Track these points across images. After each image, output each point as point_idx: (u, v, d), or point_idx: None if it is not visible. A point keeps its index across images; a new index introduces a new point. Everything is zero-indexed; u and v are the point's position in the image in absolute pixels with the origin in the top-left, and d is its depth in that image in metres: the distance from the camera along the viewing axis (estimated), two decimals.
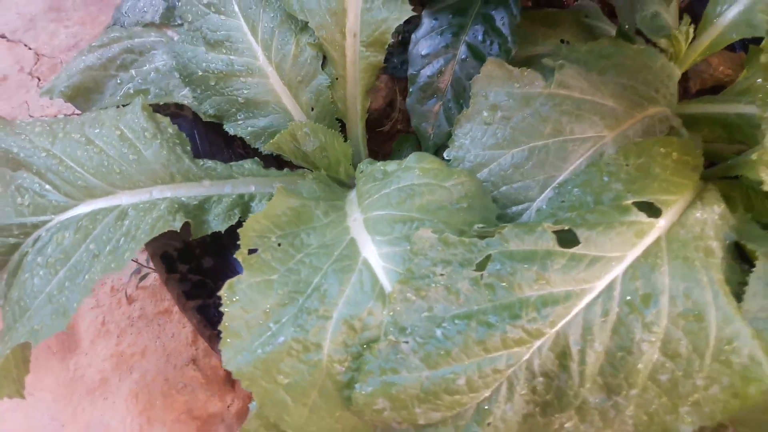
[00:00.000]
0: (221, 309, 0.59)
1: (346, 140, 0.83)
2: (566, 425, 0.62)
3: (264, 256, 0.63)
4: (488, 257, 0.58)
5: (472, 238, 0.59)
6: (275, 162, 0.93)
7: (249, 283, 0.61)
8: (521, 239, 0.58)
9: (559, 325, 0.57)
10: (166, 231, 0.75)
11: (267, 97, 0.86)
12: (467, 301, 0.57)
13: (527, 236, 0.58)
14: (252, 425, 0.67)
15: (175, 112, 0.93)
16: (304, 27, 0.82)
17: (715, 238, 0.65)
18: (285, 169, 0.88)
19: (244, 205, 0.82)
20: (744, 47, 1.03)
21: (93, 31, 1.46)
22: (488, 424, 0.58)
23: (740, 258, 0.70)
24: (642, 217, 0.61)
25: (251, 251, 0.63)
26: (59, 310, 0.70)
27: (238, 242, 0.63)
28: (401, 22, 0.76)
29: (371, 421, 0.59)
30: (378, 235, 0.63)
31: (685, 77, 1.04)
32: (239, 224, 0.70)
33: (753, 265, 0.66)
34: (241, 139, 0.90)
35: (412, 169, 0.67)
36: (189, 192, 0.81)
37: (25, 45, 1.46)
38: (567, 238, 0.61)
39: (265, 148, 0.82)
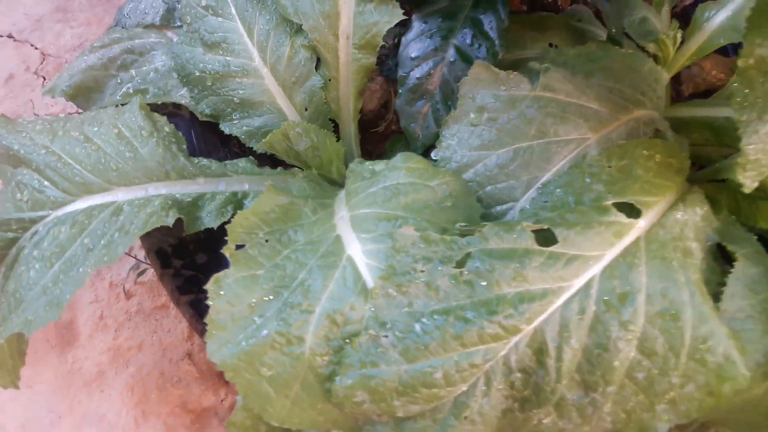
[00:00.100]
0: (207, 302, 0.61)
1: (338, 140, 0.85)
2: (545, 421, 0.63)
3: (251, 251, 0.65)
4: (468, 255, 0.60)
5: (454, 236, 0.61)
6: (270, 161, 0.94)
7: (235, 278, 0.62)
8: (501, 237, 0.60)
9: (536, 321, 0.59)
10: (160, 227, 0.77)
11: (262, 97, 0.87)
12: (446, 297, 0.58)
13: (506, 235, 0.60)
14: (238, 417, 0.69)
15: (172, 111, 0.95)
16: (299, 29, 0.84)
17: (695, 239, 0.66)
18: (279, 168, 0.90)
19: (237, 203, 0.84)
20: (736, 52, 1.04)
21: (98, 31, 1.48)
22: (465, 417, 0.59)
23: (724, 259, 0.71)
24: (621, 217, 0.62)
25: (239, 247, 0.65)
26: (53, 302, 0.72)
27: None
28: (392, 25, 0.77)
29: (352, 414, 0.61)
30: (363, 233, 0.65)
31: (678, 81, 1.05)
32: None
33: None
34: (237, 138, 0.92)
35: (398, 169, 0.68)
36: (183, 189, 0.83)
37: (32, 45, 1.49)
38: (548, 238, 0.62)
39: (258, 147, 0.84)
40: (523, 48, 0.83)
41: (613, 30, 0.70)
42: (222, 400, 1.12)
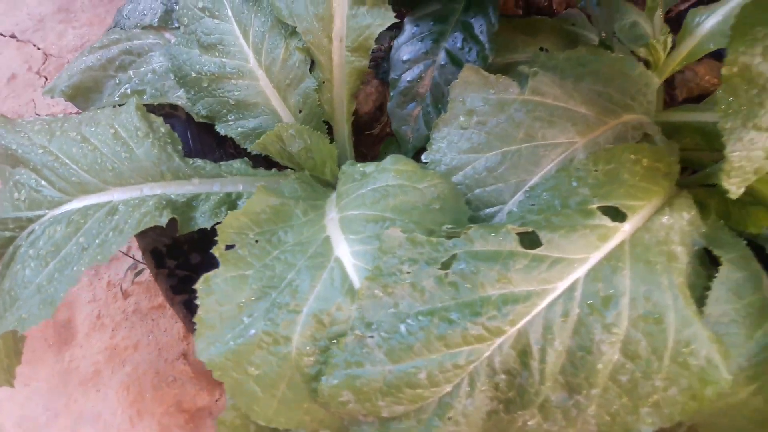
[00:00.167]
0: (196, 301, 0.62)
1: (332, 142, 0.86)
2: (530, 423, 0.64)
3: (241, 251, 0.65)
4: (454, 256, 0.60)
5: (440, 238, 0.61)
6: (265, 162, 0.95)
7: (224, 278, 0.63)
8: (486, 240, 0.60)
9: (520, 323, 0.59)
10: (155, 227, 0.78)
11: (257, 98, 0.88)
12: (431, 299, 0.59)
13: (491, 237, 0.60)
14: (228, 416, 0.69)
15: (169, 112, 0.96)
16: (293, 32, 0.85)
17: (681, 244, 0.67)
18: (273, 169, 0.91)
19: (231, 203, 0.85)
20: None
21: (100, 32, 1.50)
22: (449, 417, 0.60)
23: (712, 264, 0.72)
24: (606, 221, 0.63)
25: (229, 247, 0.66)
26: (47, 300, 0.73)
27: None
28: (384, 28, 0.78)
29: (337, 413, 0.61)
30: (351, 234, 0.65)
31: (671, 86, 1.05)
32: None
33: None
34: (232, 139, 0.93)
35: (388, 171, 0.69)
36: (178, 189, 0.84)
37: (34, 45, 1.51)
38: (534, 240, 0.63)
39: (252, 149, 0.85)
40: (514, 51, 0.84)
41: (603, 34, 0.71)
42: (216, 400, 1.13)
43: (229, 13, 0.89)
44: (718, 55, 1.03)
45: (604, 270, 0.61)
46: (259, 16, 0.87)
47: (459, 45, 0.79)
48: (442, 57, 0.79)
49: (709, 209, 0.79)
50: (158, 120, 0.87)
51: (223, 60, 0.88)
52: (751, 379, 0.66)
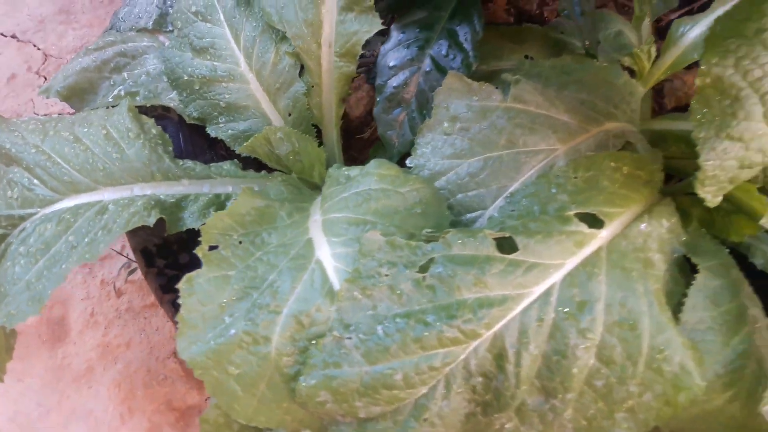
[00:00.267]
0: (178, 301, 0.63)
1: (321, 145, 0.87)
2: (507, 426, 0.65)
3: (224, 252, 0.66)
4: (432, 260, 0.61)
5: (419, 242, 0.62)
6: (256, 164, 0.96)
7: (207, 278, 0.64)
8: (463, 244, 0.61)
9: (496, 327, 0.60)
10: (143, 226, 0.79)
11: (247, 102, 0.89)
12: (409, 301, 0.60)
13: (469, 241, 0.61)
14: (211, 414, 0.70)
15: (161, 114, 0.98)
16: (284, 36, 0.86)
17: (659, 251, 0.68)
18: (263, 172, 0.92)
19: (219, 204, 0.86)
20: None
21: (99, 33, 1.51)
22: (425, 419, 0.61)
23: (692, 272, 0.73)
24: (583, 227, 0.63)
25: (212, 248, 0.67)
26: (35, 297, 0.74)
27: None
28: (371, 34, 0.79)
29: (315, 413, 0.62)
30: (333, 236, 0.66)
31: (660, 95, 1.06)
32: None
33: None
34: (223, 141, 0.94)
35: (371, 175, 0.70)
36: (168, 190, 0.85)
37: (34, 45, 1.52)
38: (513, 246, 0.63)
39: (240, 151, 0.86)
40: (500, 59, 0.85)
41: (587, 43, 0.72)
42: (206, 399, 1.14)
43: (222, 17, 0.90)
44: None
45: (580, 276, 0.62)
46: (251, 20, 0.88)
47: (444, 52, 0.80)
48: (427, 64, 0.81)
49: (692, 217, 0.79)
50: (150, 121, 0.88)
51: (215, 63, 0.90)
52: (727, 386, 0.67)
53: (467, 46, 0.78)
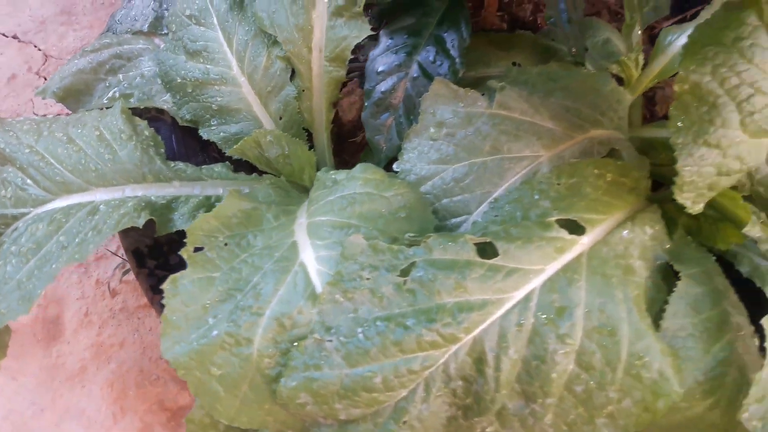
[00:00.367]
0: (162, 302, 0.64)
1: (311, 149, 0.88)
2: (488, 430, 0.65)
3: (209, 254, 0.67)
4: (413, 264, 0.62)
5: (401, 246, 0.63)
6: (247, 167, 0.97)
7: (191, 279, 0.65)
8: (444, 249, 0.62)
9: (476, 331, 0.61)
10: (135, 227, 0.80)
11: (239, 105, 0.90)
12: (389, 305, 0.61)
13: (450, 246, 0.62)
14: (196, 414, 0.71)
15: (155, 116, 0.99)
16: (275, 41, 0.87)
17: (641, 258, 0.68)
18: (254, 174, 0.93)
19: (210, 206, 0.86)
20: None
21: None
22: (404, 422, 0.61)
23: (676, 279, 0.73)
24: (563, 233, 0.64)
25: (198, 249, 0.68)
26: (25, 296, 0.75)
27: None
28: (360, 39, 0.80)
29: (297, 415, 0.63)
30: (317, 240, 0.67)
31: (652, 102, 1.06)
32: None
33: None
34: (216, 143, 0.95)
35: (356, 179, 0.71)
36: (159, 191, 0.86)
37: (35, 46, 1.54)
38: (495, 251, 0.64)
39: (230, 153, 0.87)
40: (488, 66, 0.86)
41: (573, 50, 0.73)
42: None
43: (215, 21, 0.91)
44: None
45: (560, 281, 0.63)
46: (243, 24, 0.89)
47: (431, 58, 0.80)
48: (414, 69, 0.81)
49: (677, 224, 0.80)
50: (142, 123, 0.89)
51: (208, 66, 0.90)
52: (708, 394, 0.67)
53: (454, 52, 0.79)
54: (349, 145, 1.04)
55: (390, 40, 0.84)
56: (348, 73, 1.02)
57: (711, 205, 0.81)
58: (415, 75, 0.81)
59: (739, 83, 0.57)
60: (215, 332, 0.62)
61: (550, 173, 0.69)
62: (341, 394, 0.60)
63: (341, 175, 0.74)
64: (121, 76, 1.01)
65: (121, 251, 1.29)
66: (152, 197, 0.85)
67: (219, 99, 0.91)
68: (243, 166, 0.96)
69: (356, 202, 0.69)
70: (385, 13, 0.87)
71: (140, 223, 0.79)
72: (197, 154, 0.97)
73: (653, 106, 1.06)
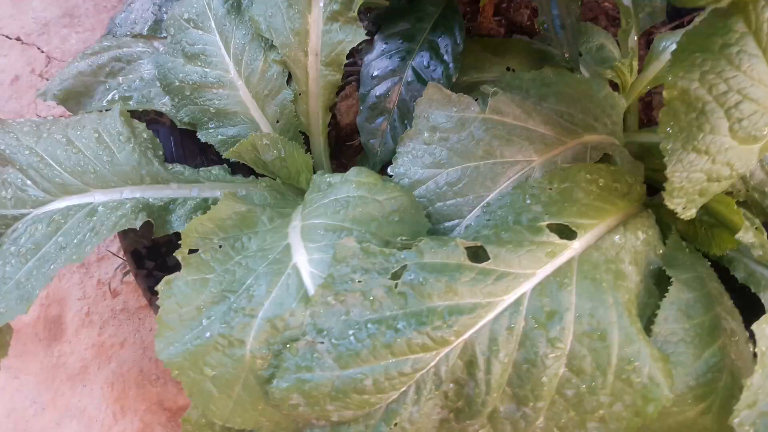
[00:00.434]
0: (157, 303, 0.64)
1: (308, 152, 0.88)
2: None
3: (204, 256, 0.68)
4: (404, 267, 0.62)
5: (392, 249, 0.64)
6: (246, 169, 0.98)
7: (185, 281, 0.66)
8: (435, 252, 0.62)
9: (466, 334, 0.61)
10: (138, 229, 0.81)
11: (236, 108, 0.91)
12: (380, 307, 0.61)
13: (440, 250, 0.62)
14: (193, 414, 0.72)
15: (154, 118, 1.00)
16: (272, 45, 0.88)
17: (632, 263, 0.68)
18: (251, 177, 0.93)
19: (206, 209, 0.87)
20: None
21: None
22: (395, 424, 0.62)
23: (670, 284, 0.73)
24: (554, 238, 0.64)
25: (192, 251, 0.68)
26: (23, 296, 0.76)
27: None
28: (355, 44, 0.81)
29: (289, 416, 0.63)
30: (310, 242, 0.68)
31: (649, 107, 1.06)
32: None
33: None
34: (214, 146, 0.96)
35: (350, 182, 0.71)
36: (157, 193, 0.87)
37: (38, 48, 1.55)
38: (486, 255, 0.64)
39: (226, 156, 0.88)
40: (482, 71, 0.86)
41: (566, 56, 0.73)
42: None
43: (213, 25, 0.92)
44: None
45: (550, 285, 0.63)
46: (241, 28, 0.90)
47: (425, 63, 0.81)
48: (409, 74, 0.82)
49: (672, 230, 0.80)
50: (141, 126, 0.90)
51: (206, 70, 0.91)
52: (700, 399, 0.67)
53: (447, 58, 0.80)
54: (347, 149, 1.05)
55: (385, 45, 0.84)
56: (346, 76, 1.03)
57: (706, 210, 0.81)
58: (409, 79, 0.82)
59: (727, 90, 0.57)
60: (209, 333, 0.63)
61: (543, 178, 0.70)
62: (332, 396, 0.60)
63: (336, 178, 0.75)
64: (120, 78, 1.02)
65: (122, 252, 1.30)
66: (150, 199, 0.86)
67: (216, 102, 0.91)
68: (241, 169, 0.97)
69: (350, 206, 0.69)
70: (381, 18, 0.88)
71: (137, 224, 0.80)
72: (196, 156, 0.98)
73: (650, 110, 1.06)
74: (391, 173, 0.75)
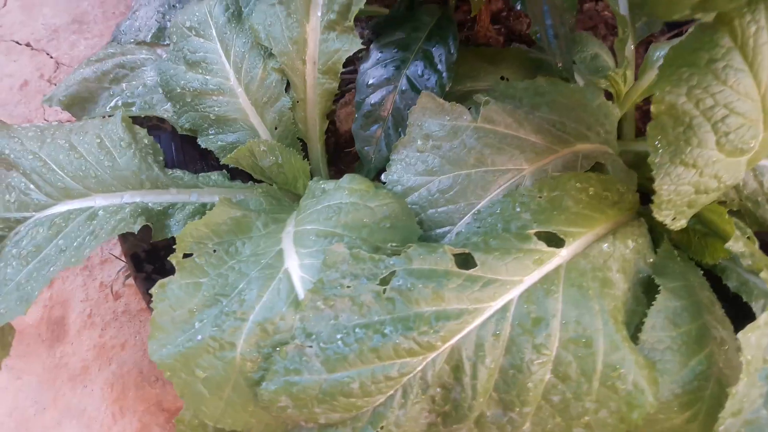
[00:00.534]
0: (151, 306, 0.66)
1: (305, 158, 0.90)
2: None
3: (198, 260, 0.69)
4: (393, 273, 0.63)
5: (382, 255, 0.65)
6: (245, 175, 0.99)
7: (179, 284, 0.67)
8: (424, 259, 0.63)
9: (453, 340, 0.62)
10: (137, 232, 0.83)
11: (236, 114, 0.93)
12: (368, 312, 0.62)
13: (429, 256, 0.63)
14: (186, 415, 0.73)
15: (156, 124, 1.01)
16: (271, 53, 0.89)
17: (620, 271, 0.69)
18: (250, 183, 0.95)
19: (204, 213, 0.88)
20: None
21: None
22: (382, 427, 0.62)
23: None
24: (541, 245, 0.65)
25: (187, 255, 0.70)
26: (23, 297, 0.78)
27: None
28: (351, 53, 0.82)
29: (278, 418, 0.65)
30: (302, 248, 0.69)
31: (647, 116, 1.07)
32: None
33: None
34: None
35: (342, 189, 0.72)
36: (156, 198, 0.89)
37: (47, 54, 1.58)
38: (474, 262, 0.65)
39: (224, 162, 0.89)
40: (476, 80, 0.87)
41: (560, 65, 0.74)
42: None
43: (214, 33, 0.94)
44: None
45: (537, 293, 0.64)
46: (241, 36, 0.92)
47: (419, 72, 0.82)
48: (403, 83, 0.83)
49: (664, 238, 0.80)
50: (142, 131, 0.92)
51: (206, 77, 0.93)
52: (686, 406, 0.68)
53: (441, 67, 0.81)
54: (346, 155, 1.06)
55: (380, 54, 0.86)
56: (346, 84, 1.05)
57: (699, 219, 0.82)
58: (403, 88, 0.83)
59: (714, 104, 0.58)
60: (200, 336, 0.64)
61: (533, 186, 0.70)
62: (320, 399, 0.61)
63: (330, 184, 0.76)
64: (124, 85, 1.04)
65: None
66: (149, 203, 0.87)
67: (217, 109, 0.93)
68: (240, 175, 0.98)
69: (341, 212, 0.70)
70: (380, 27, 0.89)
71: (135, 228, 0.81)
72: (196, 161, 1.00)
73: (647, 120, 1.06)
74: (385, 180, 0.76)
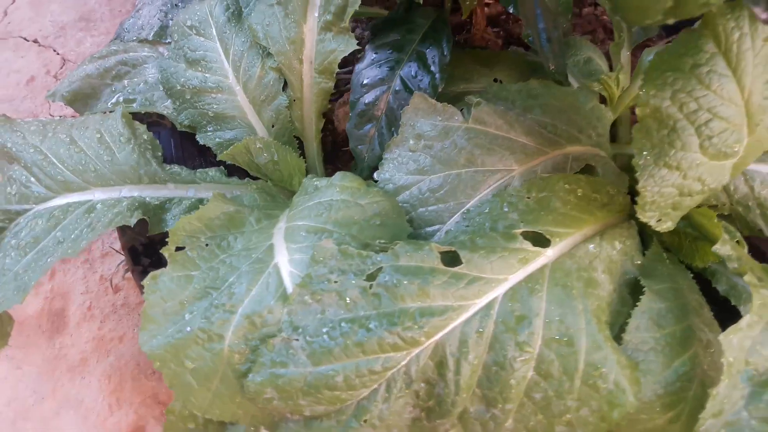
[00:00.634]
0: (142, 296, 0.67)
1: (301, 156, 0.91)
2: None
3: (190, 253, 0.71)
4: (380, 269, 0.64)
5: (370, 252, 0.66)
6: (242, 172, 1.01)
7: (171, 276, 0.68)
8: (410, 256, 0.64)
9: (437, 336, 0.63)
10: (134, 226, 0.84)
11: (234, 112, 0.94)
12: (354, 307, 0.63)
13: (415, 253, 0.64)
14: (176, 405, 0.74)
15: (156, 120, 1.03)
16: (269, 52, 0.91)
17: (606, 272, 0.70)
18: (247, 179, 0.96)
19: None
20: None
21: None
22: (365, 420, 0.63)
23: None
24: (527, 245, 0.66)
25: (180, 248, 0.71)
26: (20, 287, 0.79)
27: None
28: (347, 53, 0.84)
29: (265, 409, 0.66)
30: (292, 243, 0.70)
31: None
32: None
33: None
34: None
35: (334, 186, 0.74)
36: (154, 193, 0.90)
37: (54, 50, 1.60)
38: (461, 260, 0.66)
39: (221, 158, 0.90)
40: (470, 81, 0.88)
41: (552, 68, 0.75)
42: None
43: (214, 32, 0.95)
44: None
45: (521, 291, 0.65)
46: (240, 36, 0.93)
47: (413, 73, 0.83)
48: (397, 83, 0.84)
49: (653, 240, 0.81)
50: (141, 127, 0.93)
51: (206, 75, 0.94)
52: (668, 407, 0.68)
53: (434, 68, 0.82)
54: (343, 154, 1.08)
55: (375, 55, 0.87)
56: (344, 84, 1.06)
57: (690, 222, 0.82)
58: (397, 88, 0.84)
59: (697, 108, 0.58)
60: (190, 328, 0.65)
61: (521, 187, 0.71)
62: (305, 391, 0.62)
63: (322, 182, 0.77)
64: (126, 81, 1.06)
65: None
66: (147, 198, 0.89)
67: (215, 106, 0.95)
68: (238, 171, 1.00)
69: (332, 209, 0.71)
70: (377, 28, 0.90)
71: (132, 222, 0.83)
72: (195, 158, 1.01)
73: None
74: (377, 178, 0.77)
